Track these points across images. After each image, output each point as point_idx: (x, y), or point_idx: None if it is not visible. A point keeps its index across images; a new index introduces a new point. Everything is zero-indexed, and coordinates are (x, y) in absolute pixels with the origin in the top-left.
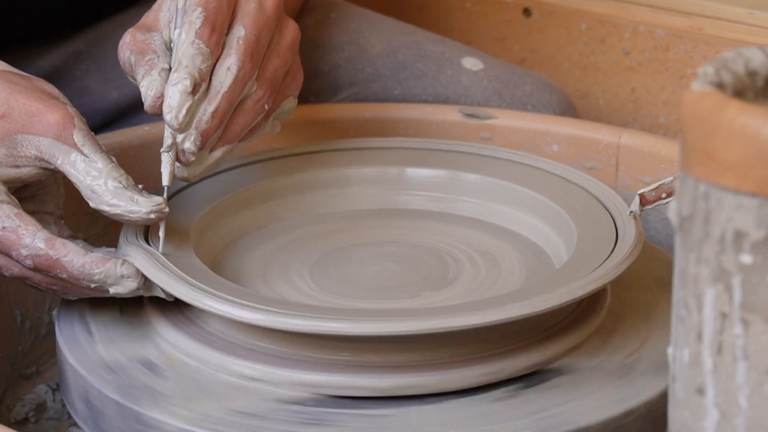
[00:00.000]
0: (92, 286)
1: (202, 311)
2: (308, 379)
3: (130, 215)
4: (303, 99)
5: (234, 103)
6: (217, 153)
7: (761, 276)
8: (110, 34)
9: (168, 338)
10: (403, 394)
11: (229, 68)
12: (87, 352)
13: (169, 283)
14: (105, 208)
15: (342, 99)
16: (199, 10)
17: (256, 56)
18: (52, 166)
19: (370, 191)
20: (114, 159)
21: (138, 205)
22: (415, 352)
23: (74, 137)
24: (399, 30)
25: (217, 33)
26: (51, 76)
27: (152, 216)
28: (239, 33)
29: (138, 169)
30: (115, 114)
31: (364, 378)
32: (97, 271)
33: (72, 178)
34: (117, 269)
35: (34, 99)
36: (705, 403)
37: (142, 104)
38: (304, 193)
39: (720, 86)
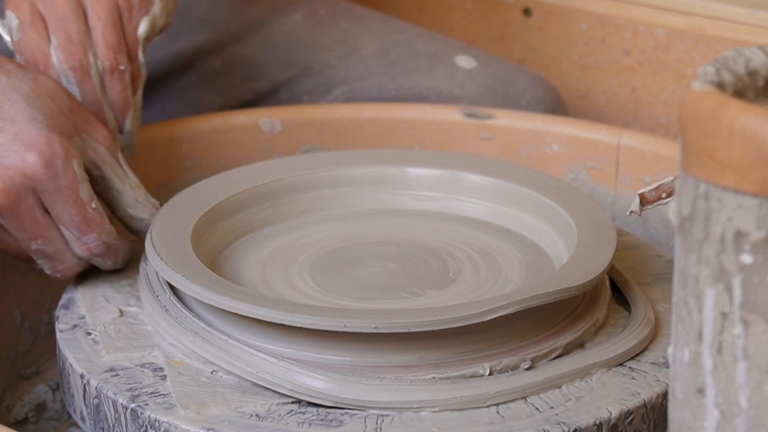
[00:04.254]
0: None
1: (203, 312)
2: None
3: (146, 224)
4: (296, 98)
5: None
6: (126, 126)
7: (761, 276)
8: None
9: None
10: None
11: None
12: (87, 352)
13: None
14: (143, 215)
15: (335, 97)
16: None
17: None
18: (97, 172)
19: (370, 191)
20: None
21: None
22: (415, 352)
23: (118, 153)
24: (390, 28)
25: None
26: None
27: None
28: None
29: (137, 169)
30: None
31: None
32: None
33: (116, 187)
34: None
35: (83, 107)
36: (705, 403)
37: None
38: (303, 193)
39: (720, 86)
